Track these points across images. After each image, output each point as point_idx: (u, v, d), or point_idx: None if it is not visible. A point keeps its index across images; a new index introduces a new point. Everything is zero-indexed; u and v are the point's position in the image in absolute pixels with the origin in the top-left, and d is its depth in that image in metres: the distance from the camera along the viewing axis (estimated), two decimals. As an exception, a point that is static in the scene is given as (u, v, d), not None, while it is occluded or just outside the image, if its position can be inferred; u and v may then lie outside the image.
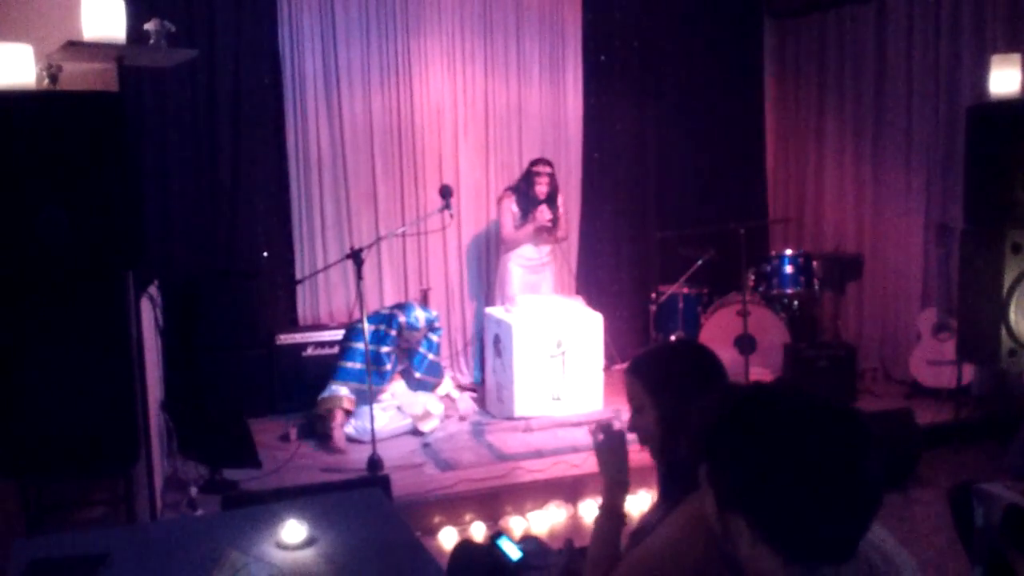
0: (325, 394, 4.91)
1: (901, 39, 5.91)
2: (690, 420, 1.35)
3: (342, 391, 4.92)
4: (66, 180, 3.12)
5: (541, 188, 5.52)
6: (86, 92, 3.59)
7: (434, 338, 5.33)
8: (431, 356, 5.33)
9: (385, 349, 5.05)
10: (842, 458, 1.19)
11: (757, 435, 1.22)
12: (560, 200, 5.68)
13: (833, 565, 1.21)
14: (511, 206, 5.59)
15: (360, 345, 4.90)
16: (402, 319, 5.10)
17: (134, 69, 4.10)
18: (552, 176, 5.58)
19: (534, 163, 5.61)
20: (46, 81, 3.56)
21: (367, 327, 4.98)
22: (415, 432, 5.04)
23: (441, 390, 5.43)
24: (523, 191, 5.57)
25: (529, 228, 5.56)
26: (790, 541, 1.21)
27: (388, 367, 5.08)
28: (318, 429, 4.95)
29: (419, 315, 5.17)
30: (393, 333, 5.07)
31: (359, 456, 4.56)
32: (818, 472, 1.18)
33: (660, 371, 1.96)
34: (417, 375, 5.31)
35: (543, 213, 5.50)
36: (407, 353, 5.26)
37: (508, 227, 5.62)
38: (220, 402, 5.11)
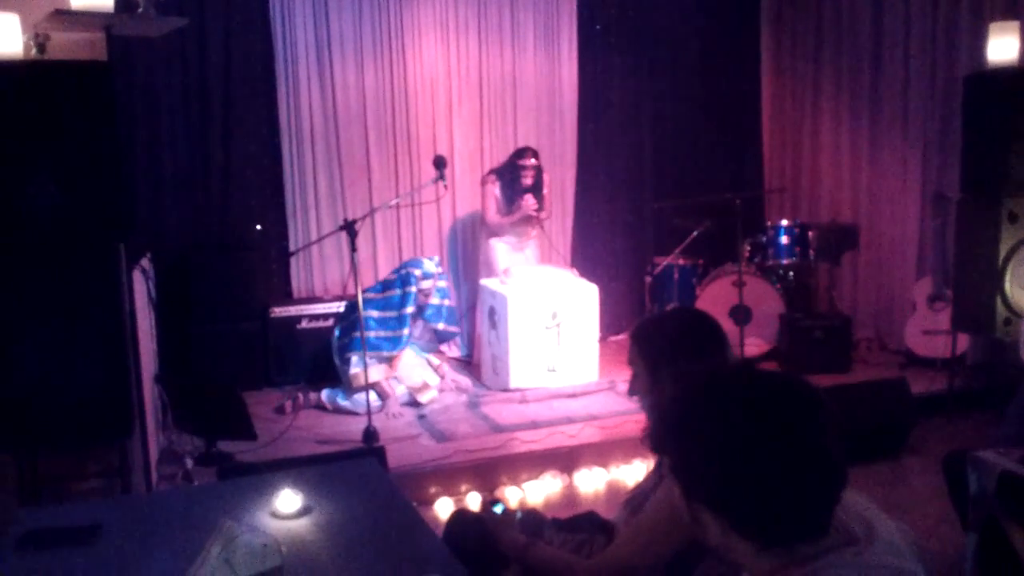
0: (355, 369, 4.79)
1: (898, 6, 5.85)
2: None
3: (372, 360, 4.87)
4: (55, 151, 3.09)
5: (526, 180, 5.47)
6: (74, 61, 3.54)
7: (442, 283, 5.28)
8: (446, 302, 5.27)
9: (409, 310, 4.99)
10: (800, 439, 1.16)
11: (709, 427, 1.20)
12: (546, 179, 5.63)
13: (809, 542, 1.19)
14: (495, 191, 5.54)
15: (374, 313, 4.92)
16: (418, 272, 5.05)
17: (123, 38, 4.04)
18: (537, 167, 5.52)
19: (520, 154, 5.53)
20: (33, 51, 3.51)
21: (374, 296, 4.98)
22: (413, 403, 5.04)
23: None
24: (507, 180, 5.51)
25: (515, 217, 5.52)
26: (760, 529, 1.19)
27: (406, 331, 5.03)
28: (350, 400, 4.92)
29: (428, 264, 5.13)
30: (413, 290, 5.01)
31: (355, 428, 4.56)
32: (778, 456, 1.15)
33: (653, 336, 1.98)
34: (440, 326, 5.25)
35: (529, 202, 5.46)
36: (419, 311, 5.20)
37: (491, 212, 5.56)
38: (214, 375, 5.11)
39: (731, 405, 1.20)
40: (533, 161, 5.49)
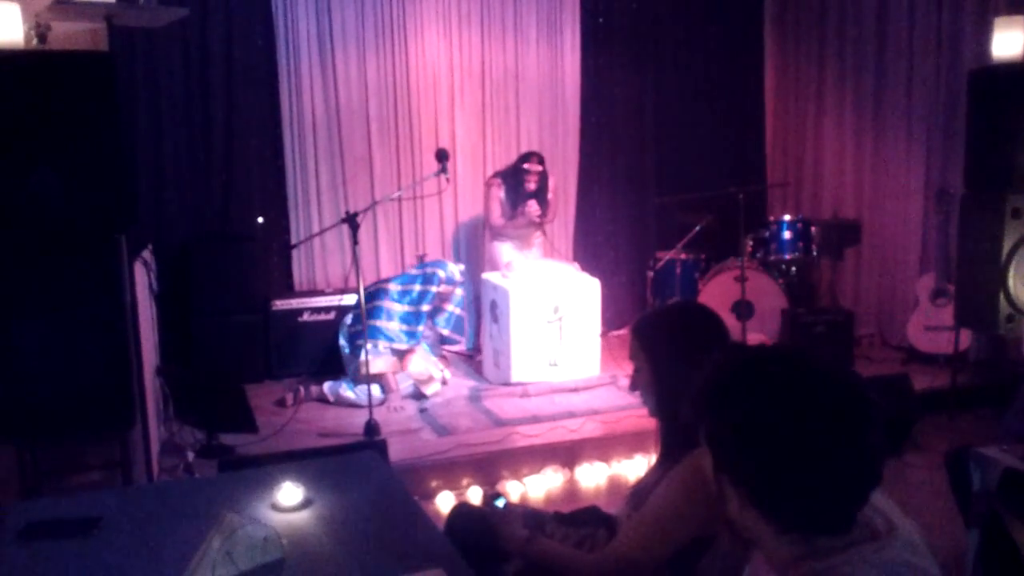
0: (365, 357, 4.75)
1: (903, 1, 5.82)
2: (688, 380, 1.32)
3: (386, 350, 4.93)
4: (56, 142, 3.07)
5: (531, 185, 5.45)
6: (75, 52, 3.54)
7: (460, 292, 5.30)
8: (458, 311, 5.30)
9: (425, 307, 5.07)
10: (842, 432, 1.14)
11: (751, 404, 1.18)
12: (551, 184, 5.60)
13: (832, 535, 1.17)
14: (499, 194, 5.51)
15: (395, 306, 4.94)
16: (443, 274, 5.11)
17: (124, 29, 4.03)
18: (543, 172, 5.49)
19: (525, 159, 5.50)
20: (34, 40, 3.51)
21: (395, 287, 5.03)
22: (417, 395, 5.04)
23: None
24: (512, 184, 5.48)
25: (519, 222, 5.51)
26: (782, 513, 1.17)
27: (421, 327, 5.07)
28: (355, 390, 4.91)
29: (454, 269, 5.19)
30: (434, 290, 5.07)
31: (356, 421, 4.56)
32: (817, 446, 1.13)
33: (656, 331, 1.97)
34: (445, 331, 5.31)
35: (532, 208, 5.44)
36: (433, 312, 5.22)
37: (495, 215, 5.54)
38: (215, 367, 5.10)
39: (778, 384, 1.18)
40: (539, 167, 5.47)
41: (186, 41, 5.39)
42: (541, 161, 5.51)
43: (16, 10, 3.44)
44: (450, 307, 5.23)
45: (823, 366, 1.20)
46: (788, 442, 1.14)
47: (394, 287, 5.09)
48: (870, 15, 6.07)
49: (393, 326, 4.99)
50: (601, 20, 6.44)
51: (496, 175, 5.63)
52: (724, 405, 1.21)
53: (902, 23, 5.85)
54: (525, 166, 5.46)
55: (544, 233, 5.77)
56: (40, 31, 3.50)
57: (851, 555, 1.15)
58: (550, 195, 5.58)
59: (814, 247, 5.88)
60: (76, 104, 3.08)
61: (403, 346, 5.00)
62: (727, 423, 1.20)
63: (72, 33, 3.81)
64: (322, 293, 5.65)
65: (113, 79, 3.16)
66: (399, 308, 5.02)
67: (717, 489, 1.24)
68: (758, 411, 1.17)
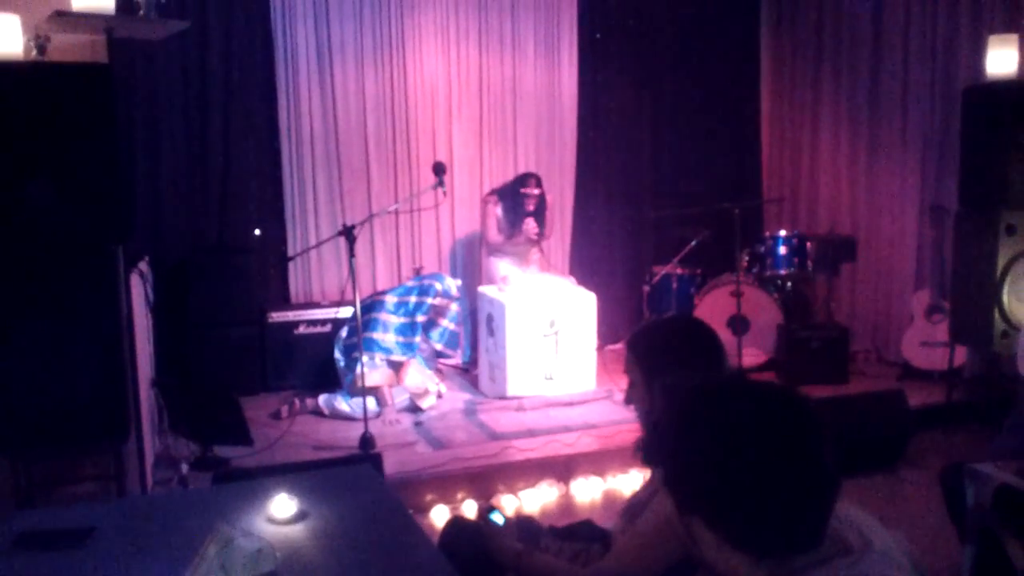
0: (361, 369, 4.72)
1: (898, 19, 5.87)
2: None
3: (382, 363, 4.94)
4: (54, 153, 3.08)
5: (529, 207, 5.47)
6: (74, 63, 3.54)
7: (455, 307, 5.31)
8: (452, 326, 5.29)
9: (420, 318, 5.06)
10: (795, 450, 1.16)
11: (702, 439, 1.19)
12: (549, 202, 5.61)
13: (803, 553, 1.19)
14: (496, 212, 5.52)
15: (383, 316, 4.95)
16: (439, 287, 5.10)
17: (124, 41, 4.03)
18: (541, 195, 5.50)
19: (523, 182, 5.50)
20: (34, 52, 3.51)
21: (393, 299, 5.03)
22: (412, 408, 5.03)
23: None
24: (509, 204, 5.49)
25: (517, 240, 5.52)
26: (757, 541, 1.18)
27: (417, 339, 5.07)
28: (350, 403, 4.88)
29: (451, 283, 5.19)
30: (429, 301, 5.07)
31: (351, 434, 4.55)
32: (772, 467, 1.15)
33: (649, 345, 1.97)
34: (438, 346, 5.30)
35: (530, 226, 5.46)
36: (428, 324, 5.22)
37: (492, 232, 5.55)
38: (211, 379, 5.09)
39: (723, 417, 1.20)
40: (537, 190, 5.48)
41: (185, 53, 5.41)
42: (539, 183, 5.52)
43: (16, 21, 3.45)
44: (445, 321, 5.22)
45: (764, 388, 1.23)
46: (746, 466, 1.16)
47: (390, 299, 5.09)
48: (865, 32, 6.11)
49: (389, 338, 4.99)
50: (598, 36, 6.48)
51: (493, 192, 5.64)
52: (679, 444, 1.23)
53: (897, 40, 5.89)
54: (523, 190, 5.45)
55: (542, 250, 5.78)
56: (40, 42, 3.50)
57: (825, 571, 1.16)
58: (548, 214, 5.60)
59: (810, 262, 5.89)
60: (75, 115, 3.09)
61: (399, 358, 5.00)
62: (685, 460, 1.22)
63: (72, 45, 3.82)
64: (318, 306, 5.65)
65: (112, 91, 3.17)
66: (395, 320, 5.02)
67: (686, 533, 1.25)
68: (713, 441, 1.18)
